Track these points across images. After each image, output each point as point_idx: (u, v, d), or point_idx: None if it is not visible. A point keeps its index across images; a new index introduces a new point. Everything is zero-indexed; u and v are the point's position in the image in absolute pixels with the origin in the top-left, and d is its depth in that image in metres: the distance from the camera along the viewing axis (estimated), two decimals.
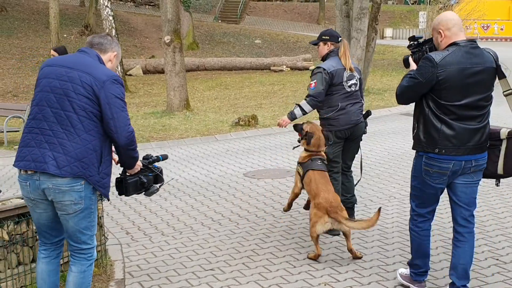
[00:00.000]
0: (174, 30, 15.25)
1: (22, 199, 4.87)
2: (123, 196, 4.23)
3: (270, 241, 5.97)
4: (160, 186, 4.39)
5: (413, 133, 4.43)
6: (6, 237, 4.53)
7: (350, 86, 5.93)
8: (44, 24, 31.84)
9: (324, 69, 5.83)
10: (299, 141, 5.85)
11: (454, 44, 4.21)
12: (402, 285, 4.78)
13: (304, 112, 5.91)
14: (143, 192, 4.29)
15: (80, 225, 3.84)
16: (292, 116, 5.93)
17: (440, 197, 4.49)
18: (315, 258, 5.38)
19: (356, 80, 5.98)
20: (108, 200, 4.12)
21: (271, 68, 25.79)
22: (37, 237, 4.71)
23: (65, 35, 30.13)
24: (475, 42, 4.25)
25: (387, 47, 32.12)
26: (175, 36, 15.25)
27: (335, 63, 5.91)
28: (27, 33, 31.06)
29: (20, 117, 13.24)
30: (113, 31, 18.93)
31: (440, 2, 27.81)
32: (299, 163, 5.77)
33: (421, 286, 4.67)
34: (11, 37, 29.95)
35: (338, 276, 5.06)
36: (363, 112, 6.11)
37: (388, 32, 40.39)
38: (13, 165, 3.87)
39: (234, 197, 7.64)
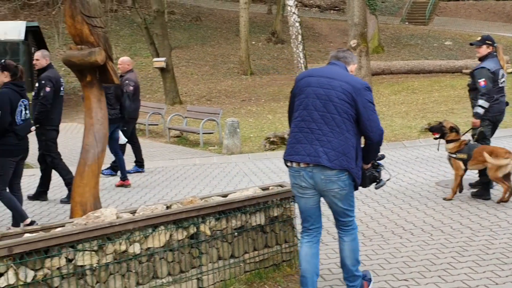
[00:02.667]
0: (360, 34, 15.15)
1: (223, 196, 5.12)
2: (360, 187, 4.66)
3: (468, 255, 5.60)
4: (387, 181, 4.87)
5: None
6: (208, 232, 4.77)
7: (502, 83, 7.56)
8: (234, 32, 33.51)
9: (489, 69, 7.40)
10: (436, 139, 7.63)
11: None
12: None
13: (485, 109, 7.43)
14: (375, 185, 4.78)
15: (345, 206, 4.52)
16: (478, 116, 7.50)
17: None
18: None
19: (505, 78, 7.62)
20: (357, 189, 4.61)
21: (463, 71, 24.44)
22: (235, 233, 4.92)
23: (253, 42, 31.42)
24: None
25: None
26: (361, 39, 15.14)
27: (495, 63, 7.50)
28: (219, 41, 32.92)
29: (214, 120, 14.03)
30: (299, 37, 19.28)
31: None
32: (454, 152, 7.39)
33: None
34: (205, 45, 31.95)
35: None
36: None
37: None
38: (285, 158, 4.50)
39: (426, 207, 7.31)
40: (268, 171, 10.11)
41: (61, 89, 8.46)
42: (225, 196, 5.22)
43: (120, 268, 4.25)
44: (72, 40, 5.82)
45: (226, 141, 12.12)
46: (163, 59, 21.26)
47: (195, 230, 4.70)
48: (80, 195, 5.55)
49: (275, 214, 5.26)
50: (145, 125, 16.20)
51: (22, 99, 6.75)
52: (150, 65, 26.45)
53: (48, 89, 8.19)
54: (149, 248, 4.43)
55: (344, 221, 4.61)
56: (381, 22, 34.90)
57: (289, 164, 4.48)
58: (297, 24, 19.23)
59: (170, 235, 4.56)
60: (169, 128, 14.83)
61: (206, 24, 35.84)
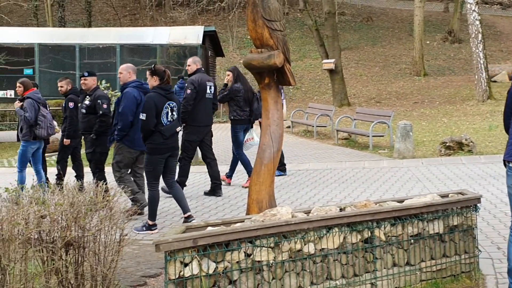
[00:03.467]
0: None
1: (399, 202, 5.00)
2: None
3: None
4: None
5: None
6: (383, 237, 4.68)
7: None
8: (407, 31, 32.64)
9: None
10: None
11: None
12: None
13: None
14: None
15: None
16: None
17: None
18: None
19: None
20: None
21: None
22: (412, 240, 4.77)
23: (427, 42, 30.34)
24: None
25: None
26: None
27: None
28: (391, 41, 32.26)
29: (385, 123, 13.76)
30: (479, 35, 18.28)
31: None
32: None
33: None
34: (376, 46, 31.50)
35: None
36: None
37: None
38: (505, 158, 4.63)
39: None
40: (444, 178, 9.68)
41: (208, 91, 8.92)
42: (400, 201, 5.08)
43: (295, 267, 4.32)
44: (252, 43, 6.03)
45: (397, 144, 11.83)
46: (332, 60, 21.33)
47: (369, 234, 4.64)
48: (257, 192, 5.73)
49: (455, 223, 5.01)
50: (313, 126, 16.36)
51: (168, 102, 7.15)
52: (319, 67, 26.69)
53: (188, 91, 8.73)
54: (323, 249, 4.45)
55: None
56: None
57: (511, 165, 4.58)
58: (477, 22, 18.25)
59: (344, 238, 4.54)
60: (338, 130, 14.83)
61: (378, 24, 35.33)
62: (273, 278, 4.24)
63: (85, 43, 22.78)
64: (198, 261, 4.02)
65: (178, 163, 8.75)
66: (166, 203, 8.69)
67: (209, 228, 4.31)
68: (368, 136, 13.37)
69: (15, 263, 3.82)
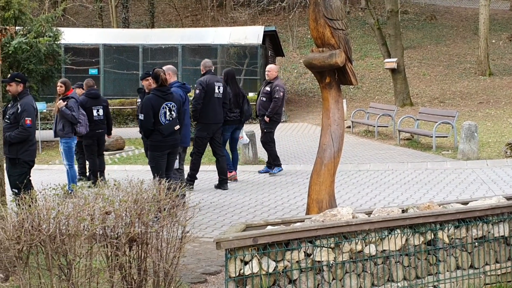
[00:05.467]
0: None
1: (463, 204, 4.88)
2: None
3: None
4: None
5: None
6: (447, 240, 4.58)
7: None
8: (472, 30, 31.78)
9: None
10: None
11: None
12: None
13: None
14: None
15: None
16: None
17: None
18: None
19: None
20: None
21: None
22: (476, 243, 4.65)
23: (493, 41, 29.45)
24: None
25: None
26: None
27: None
28: (455, 40, 31.46)
29: (448, 123, 13.43)
30: None
31: None
32: None
33: None
34: (439, 44, 30.78)
35: None
36: None
37: None
38: None
39: None
40: (509, 180, 9.37)
41: (216, 91, 9.58)
42: (465, 203, 4.96)
43: (355, 268, 4.28)
44: (314, 42, 6.01)
45: (461, 145, 11.52)
46: (395, 59, 20.99)
47: (432, 236, 4.54)
48: (317, 192, 5.71)
49: None
50: (374, 126, 16.15)
51: (166, 102, 7.62)
52: (381, 66, 26.31)
53: (197, 91, 9.53)
54: (384, 250, 4.39)
55: None
56: None
57: None
58: None
59: (406, 239, 4.47)
60: (400, 130, 14.57)
61: (442, 23, 34.52)
62: (333, 279, 4.22)
63: (148, 43, 23.26)
64: (258, 260, 4.04)
65: (190, 157, 9.75)
66: (226, 201, 8.78)
67: (269, 227, 4.32)
68: (431, 136, 13.08)
69: (81, 258, 3.94)
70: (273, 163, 10.96)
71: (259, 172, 11.16)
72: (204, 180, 10.57)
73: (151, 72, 8.28)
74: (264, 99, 10.79)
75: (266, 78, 10.99)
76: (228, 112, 10.07)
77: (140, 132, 8.54)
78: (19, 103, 7.35)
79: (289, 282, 4.12)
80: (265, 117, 10.68)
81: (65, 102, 9.49)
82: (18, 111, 7.28)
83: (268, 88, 10.74)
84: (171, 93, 7.83)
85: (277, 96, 10.64)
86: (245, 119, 10.64)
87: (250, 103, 10.87)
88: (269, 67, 11.21)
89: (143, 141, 8.72)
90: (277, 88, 10.72)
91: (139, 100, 9.10)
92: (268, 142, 10.85)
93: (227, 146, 10.62)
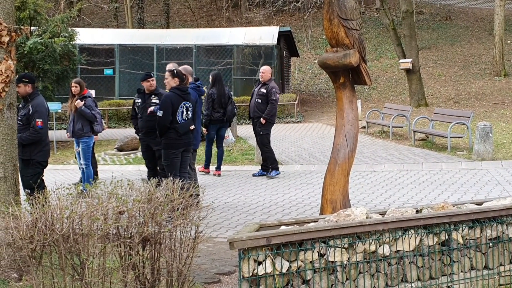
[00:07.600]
0: None
1: (478, 204, 4.84)
2: None
3: None
4: None
5: None
6: (461, 240, 4.55)
7: None
8: (487, 31, 31.54)
9: None
10: None
11: None
12: None
13: None
14: None
15: None
16: None
17: None
18: None
19: None
20: None
21: None
22: (490, 244, 4.62)
23: (508, 41, 29.20)
24: None
25: None
26: None
27: None
28: (470, 40, 31.25)
29: (463, 124, 13.34)
30: None
31: None
32: None
33: None
34: (454, 45, 30.59)
35: None
36: None
37: None
38: None
39: None
40: None
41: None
42: (479, 204, 4.93)
43: (369, 268, 4.27)
44: (328, 42, 6.00)
45: (476, 146, 11.44)
46: (410, 60, 20.88)
47: (447, 237, 4.52)
48: (331, 193, 5.70)
49: None
50: (389, 127, 16.07)
51: (184, 102, 7.74)
52: (395, 67, 26.20)
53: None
54: (398, 250, 4.37)
55: None
56: None
57: None
58: None
59: (420, 240, 4.44)
60: (414, 131, 14.49)
61: (457, 23, 34.31)
62: (347, 279, 4.20)
63: (163, 44, 23.35)
64: (272, 260, 4.04)
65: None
66: (240, 201, 8.79)
67: (283, 227, 4.32)
68: (446, 137, 12.99)
69: (94, 257, 3.95)
70: (271, 166, 10.87)
71: (253, 175, 11.06)
72: (218, 180, 10.58)
73: (152, 74, 8.43)
74: (259, 100, 10.71)
75: (260, 79, 10.96)
76: (213, 112, 10.79)
77: (136, 133, 8.64)
78: (30, 104, 7.21)
79: (302, 283, 4.11)
80: (261, 119, 10.62)
81: (83, 102, 9.58)
82: (30, 112, 7.15)
83: (263, 90, 10.68)
84: (189, 93, 7.94)
85: (274, 98, 10.64)
86: (228, 119, 11.12)
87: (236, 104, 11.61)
88: (263, 68, 11.12)
89: (141, 141, 8.87)
90: (274, 90, 10.71)
91: (139, 100, 8.95)
92: (266, 144, 10.83)
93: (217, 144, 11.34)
